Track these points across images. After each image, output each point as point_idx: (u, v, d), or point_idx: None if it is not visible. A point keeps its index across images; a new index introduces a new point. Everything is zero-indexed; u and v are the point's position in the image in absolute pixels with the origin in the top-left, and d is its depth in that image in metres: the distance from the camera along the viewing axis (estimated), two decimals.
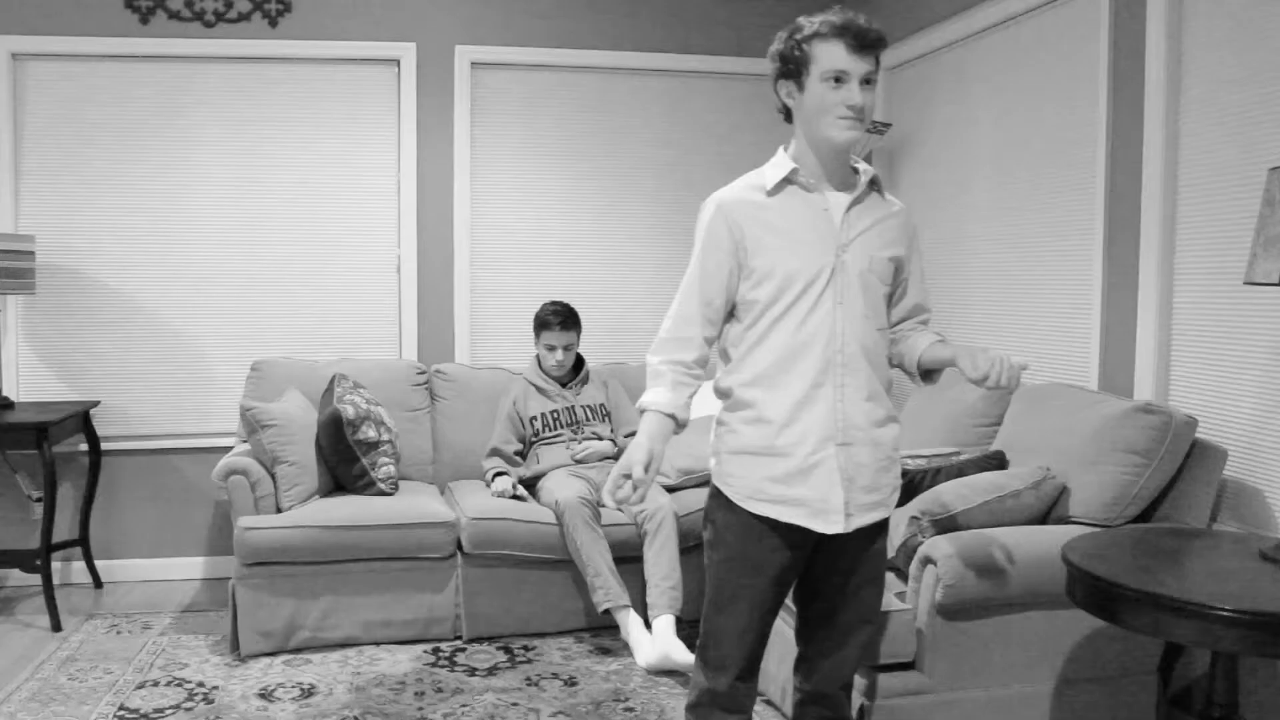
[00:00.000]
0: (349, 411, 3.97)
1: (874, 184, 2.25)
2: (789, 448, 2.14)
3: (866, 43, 2.08)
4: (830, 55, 2.08)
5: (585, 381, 4.39)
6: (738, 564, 2.20)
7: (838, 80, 2.09)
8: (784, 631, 3.23)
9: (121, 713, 3.21)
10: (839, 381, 2.14)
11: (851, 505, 2.15)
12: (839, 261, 2.15)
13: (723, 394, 2.25)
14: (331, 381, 4.15)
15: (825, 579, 2.25)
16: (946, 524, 2.85)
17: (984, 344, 4.05)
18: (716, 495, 2.25)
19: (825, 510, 2.14)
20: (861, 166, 2.24)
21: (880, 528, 2.25)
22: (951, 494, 2.92)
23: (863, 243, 2.18)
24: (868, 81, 2.11)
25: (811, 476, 2.14)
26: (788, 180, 2.19)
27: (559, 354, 4.25)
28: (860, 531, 2.18)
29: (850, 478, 2.15)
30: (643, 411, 2.16)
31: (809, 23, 2.11)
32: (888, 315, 2.28)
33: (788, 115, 2.22)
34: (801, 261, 2.14)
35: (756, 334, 2.17)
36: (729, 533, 2.21)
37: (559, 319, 4.26)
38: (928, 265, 4.40)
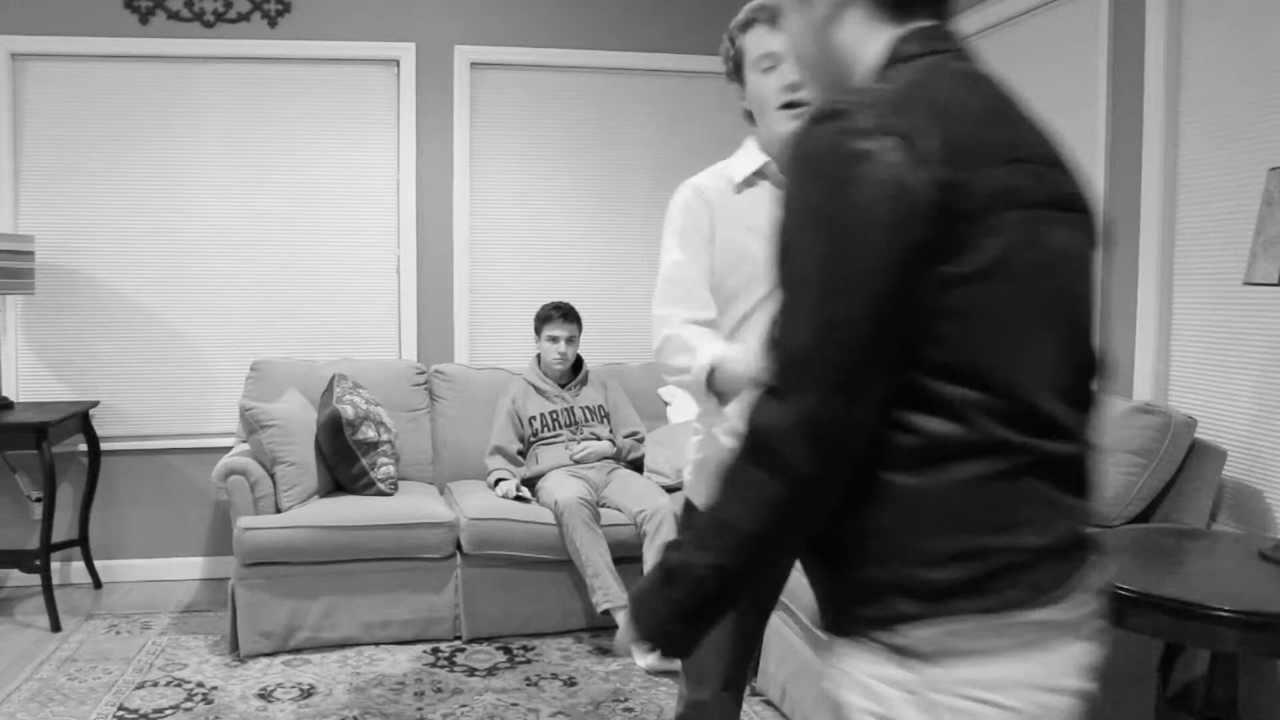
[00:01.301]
0: (348, 411, 3.97)
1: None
2: None
3: (771, 18, 1.98)
4: (756, 41, 2.00)
5: (584, 383, 4.39)
6: None
7: (768, 68, 1.99)
8: (782, 630, 3.23)
9: (121, 713, 3.21)
10: None
11: None
12: None
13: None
14: (331, 381, 4.15)
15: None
16: None
17: None
18: (692, 507, 2.12)
19: None
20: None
21: None
22: None
23: None
24: None
25: None
26: (759, 174, 2.07)
27: (561, 345, 4.25)
28: None
29: None
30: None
31: (734, 20, 2.05)
32: None
33: (750, 118, 2.12)
34: (767, 260, 1.98)
35: (725, 335, 2.03)
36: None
37: (560, 312, 4.28)
38: None
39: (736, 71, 2.07)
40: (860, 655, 1.15)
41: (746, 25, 2.02)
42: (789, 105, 1.97)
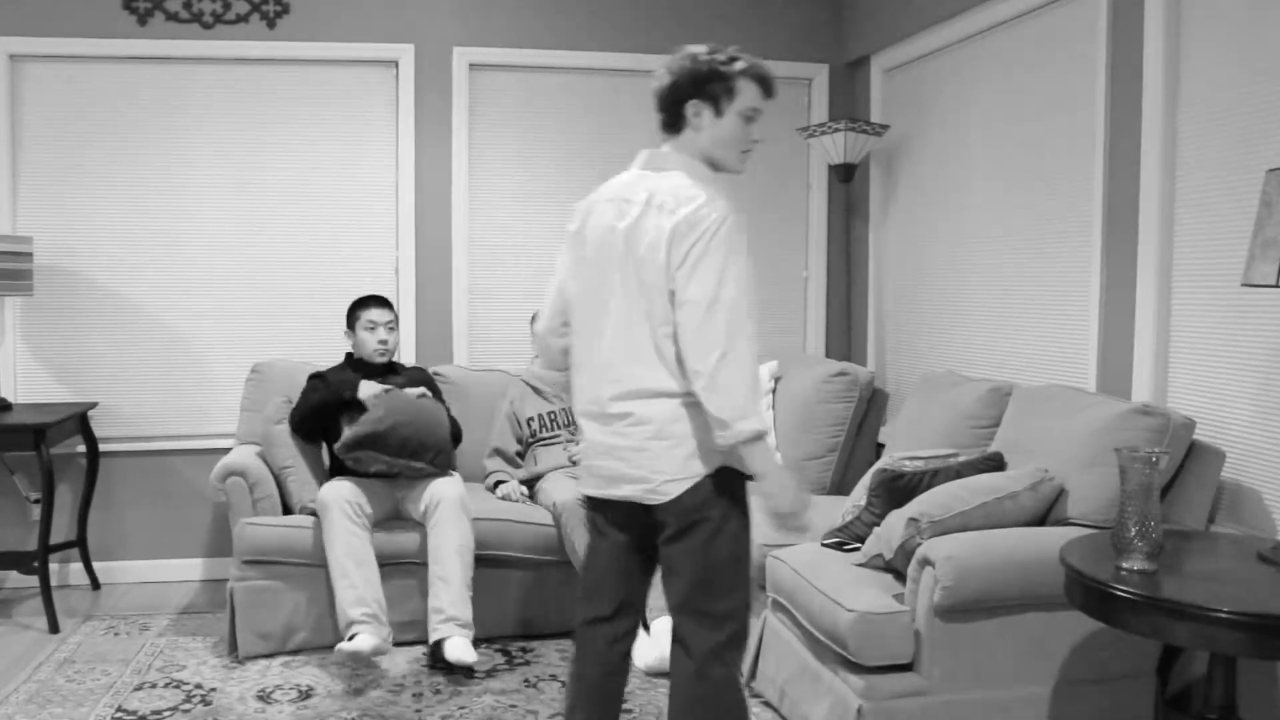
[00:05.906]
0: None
1: None
2: None
3: (773, 91, 2.36)
4: (753, 96, 2.32)
5: None
6: (749, 526, 2.38)
7: (750, 119, 2.34)
8: (781, 632, 3.23)
9: (119, 714, 3.20)
10: None
11: None
12: None
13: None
14: None
15: None
16: (944, 526, 2.85)
17: (981, 345, 4.05)
18: (728, 473, 2.31)
19: None
20: None
21: None
22: (949, 496, 2.92)
23: None
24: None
25: None
26: None
27: None
28: None
29: None
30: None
31: (736, 56, 2.31)
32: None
33: (677, 125, 2.34)
34: None
35: None
36: (745, 500, 2.36)
37: None
38: (927, 266, 4.42)
39: (715, 98, 2.30)
40: None
41: (757, 77, 2.32)
42: (746, 151, 2.38)
